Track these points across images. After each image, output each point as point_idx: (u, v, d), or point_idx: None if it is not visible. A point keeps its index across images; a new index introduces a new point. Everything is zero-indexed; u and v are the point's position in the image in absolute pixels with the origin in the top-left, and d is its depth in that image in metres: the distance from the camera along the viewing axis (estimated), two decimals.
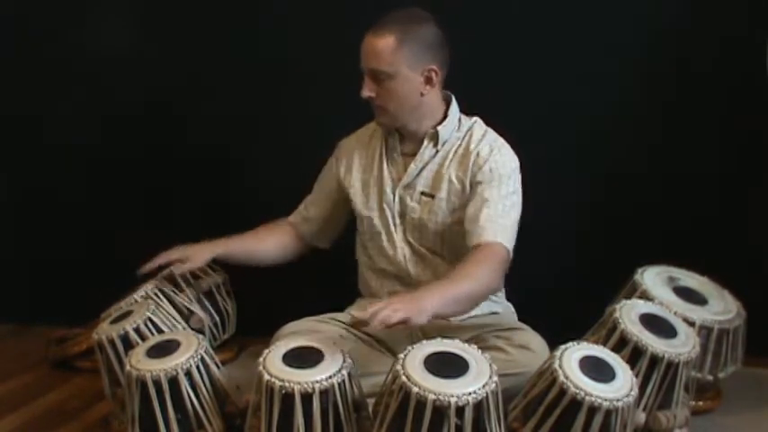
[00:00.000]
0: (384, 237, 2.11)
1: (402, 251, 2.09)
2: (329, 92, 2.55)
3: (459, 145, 2.06)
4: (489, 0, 2.44)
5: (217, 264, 2.41)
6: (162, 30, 2.74)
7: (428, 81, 2.00)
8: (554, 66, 2.45)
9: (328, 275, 2.41)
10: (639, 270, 2.11)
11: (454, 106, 2.09)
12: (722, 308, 2.06)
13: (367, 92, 1.99)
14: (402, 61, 1.95)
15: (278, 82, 2.66)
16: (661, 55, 2.41)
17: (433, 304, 1.74)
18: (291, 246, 2.28)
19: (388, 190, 2.10)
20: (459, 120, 2.09)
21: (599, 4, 2.43)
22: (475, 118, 2.11)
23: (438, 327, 1.96)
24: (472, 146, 2.04)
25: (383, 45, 1.94)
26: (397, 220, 2.10)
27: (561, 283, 2.40)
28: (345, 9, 2.51)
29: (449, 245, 2.07)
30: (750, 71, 2.27)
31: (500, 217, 1.95)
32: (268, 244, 2.26)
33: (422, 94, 2.00)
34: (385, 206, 2.10)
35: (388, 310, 1.67)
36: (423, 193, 2.06)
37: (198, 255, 2.20)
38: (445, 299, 1.77)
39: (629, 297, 1.99)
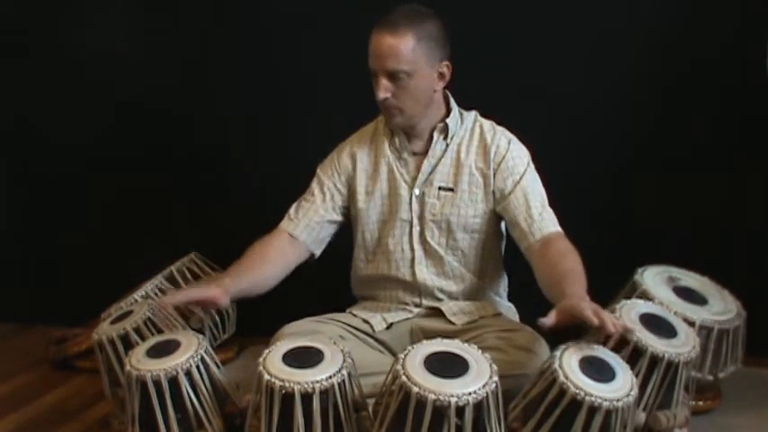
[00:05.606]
0: (394, 241, 2.07)
1: (412, 254, 2.07)
2: (330, 91, 2.55)
3: (471, 137, 2.06)
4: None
5: (216, 264, 2.41)
6: (162, 29, 2.74)
7: (441, 77, 1.99)
8: (553, 65, 2.45)
9: (328, 276, 2.40)
10: (639, 270, 2.11)
11: (452, 100, 2.08)
12: (722, 308, 2.06)
13: (383, 93, 1.94)
14: (420, 58, 1.93)
15: (278, 82, 2.66)
16: (661, 55, 2.41)
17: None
18: (291, 261, 2.11)
19: (403, 192, 2.07)
20: (460, 113, 2.09)
21: (599, 3, 2.43)
22: (473, 111, 2.11)
23: (441, 330, 1.97)
24: (488, 138, 2.05)
25: (402, 44, 1.91)
26: (414, 221, 2.06)
27: None
28: (346, 8, 2.51)
29: (470, 240, 2.06)
30: (750, 71, 2.27)
31: (544, 208, 2.01)
32: (270, 277, 2.07)
33: (434, 90, 2.00)
34: (399, 209, 2.06)
35: (607, 315, 1.65)
36: (441, 188, 2.05)
37: (223, 296, 1.93)
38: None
39: (629, 297, 1.99)
